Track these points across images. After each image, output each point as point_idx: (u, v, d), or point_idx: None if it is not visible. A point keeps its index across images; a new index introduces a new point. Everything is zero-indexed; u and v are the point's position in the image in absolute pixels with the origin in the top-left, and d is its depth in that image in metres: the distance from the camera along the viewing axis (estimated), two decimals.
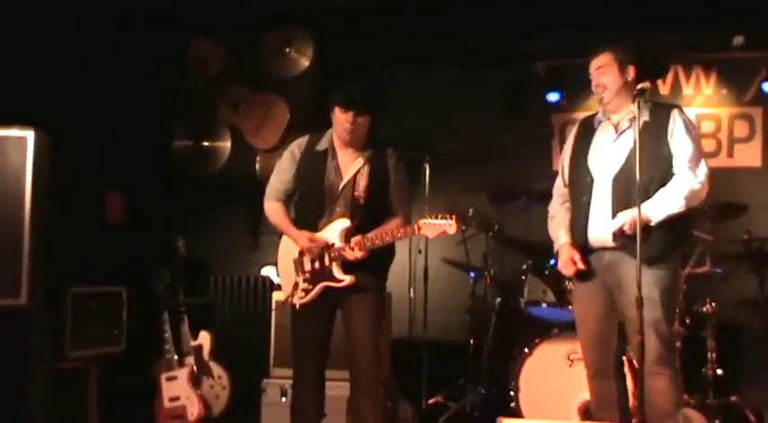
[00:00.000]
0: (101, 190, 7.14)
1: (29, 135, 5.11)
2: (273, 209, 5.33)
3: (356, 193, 5.18)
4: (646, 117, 4.92)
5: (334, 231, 5.14)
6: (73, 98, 6.49)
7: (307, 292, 5.19)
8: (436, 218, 5.00)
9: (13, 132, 5.11)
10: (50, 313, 5.57)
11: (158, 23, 7.50)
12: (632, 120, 4.91)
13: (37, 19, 6.25)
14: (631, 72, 4.99)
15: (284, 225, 5.28)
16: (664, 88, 7.71)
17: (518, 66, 7.80)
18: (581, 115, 7.74)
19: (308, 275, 5.21)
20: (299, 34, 7.76)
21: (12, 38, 5.99)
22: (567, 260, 5.07)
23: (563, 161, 5.35)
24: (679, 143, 4.86)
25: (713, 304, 6.38)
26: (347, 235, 5.10)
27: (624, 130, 4.99)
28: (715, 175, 7.19)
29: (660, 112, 4.93)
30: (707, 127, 7.67)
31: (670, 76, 7.72)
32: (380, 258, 5.24)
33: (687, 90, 7.72)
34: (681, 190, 4.79)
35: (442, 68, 7.90)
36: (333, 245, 5.12)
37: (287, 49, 7.77)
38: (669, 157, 4.85)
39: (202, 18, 7.70)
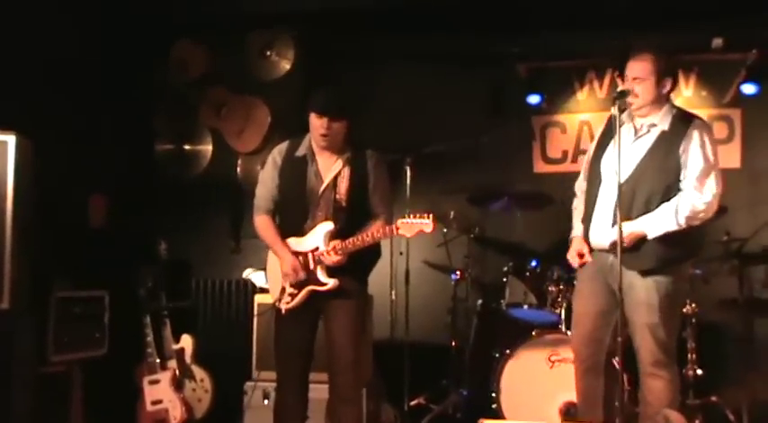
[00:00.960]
0: (83, 193, 7.12)
1: (10, 139, 5.11)
2: (263, 223, 5.34)
3: (337, 196, 5.20)
4: (665, 126, 4.92)
5: (317, 235, 5.15)
6: (54, 101, 6.47)
7: (293, 296, 5.21)
8: (414, 217, 5.02)
9: None
10: (33, 317, 5.55)
11: (140, 26, 7.50)
12: (651, 126, 4.94)
13: (17, 22, 6.23)
14: (668, 85, 4.94)
15: (273, 243, 5.29)
16: None
17: (499, 68, 7.82)
18: (561, 118, 7.85)
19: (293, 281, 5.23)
20: (281, 37, 7.77)
21: None
22: (575, 252, 5.13)
23: (587, 156, 5.37)
24: (690, 158, 4.83)
25: (693, 305, 6.43)
26: (331, 238, 5.13)
27: (641, 135, 4.97)
28: None
29: (681, 123, 4.88)
30: None
31: None
32: (364, 262, 5.28)
33: None
34: (682, 209, 4.78)
35: (423, 71, 7.91)
36: (317, 249, 5.14)
37: (268, 53, 7.78)
38: (677, 171, 4.82)
39: (184, 21, 7.70)
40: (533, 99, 7.73)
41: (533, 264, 6.52)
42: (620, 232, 4.61)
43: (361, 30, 7.64)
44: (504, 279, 6.63)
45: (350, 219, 5.16)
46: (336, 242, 5.07)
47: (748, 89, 7.36)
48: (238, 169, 7.75)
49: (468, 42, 7.71)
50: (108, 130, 7.23)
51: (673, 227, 4.78)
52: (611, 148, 5.00)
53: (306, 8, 7.35)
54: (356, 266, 5.20)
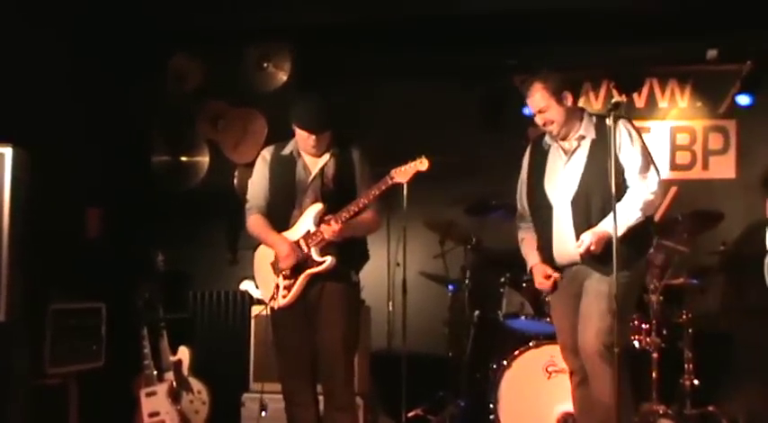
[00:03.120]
0: (80, 205, 7.12)
1: (7, 151, 5.09)
2: (255, 221, 5.35)
3: (325, 181, 5.25)
4: (592, 134, 5.03)
5: (308, 218, 5.16)
6: (51, 113, 6.49)
7: (289, 288, 5.18)
8: (405, 164, 5.04)
9: None
10: (30, 329, 5.56)
11: (138, 38, 7.51)
12: (580, 138, 5.07)
13: (13, 34, 6.24)
14: (569, 97, 5.06)
15: (265, 233, 5.29)
16: (639, 101, 7.76)
17: (495, 79, 7.84)
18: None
19: (287, 272, 5.18)
20: (278, 49, 7.79)
21: None
22: (541, 278, 5.20)
23: (521, 187, 5.43)
24: (626, 155, 4.95)
25: (689, 315, 6.43)
26: (321, 217, 5.13)
27: (574, 150, 5.08)
28: (690, 188, 7.31)
29: (604, 126, 4.93)
30: (682, 139, 7.75)
31: (645, 90, 7.78)
32: (353, 256, 5.29)
33: (662, 103, 7.78)
34: (635, 202, 4.90)
35: (420, 82, 7.92)
36: (308, 232, 5.15)
37: (265, 65, 7.80)
38: (621, 172, 4.91)
39: (182, 33, 7.71)
40: (529, 110, 7.73)
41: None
42: (616, 232, 4.64)
43: (358, 43, 7.66)
44: (501, 290, 6.64)
45: (337, 201, 5.16)
46: (331, 216, 5.08)
47: (743, 100, 7.39)
48: (235, 181, 7.76)
49: (463, 55, 7.72)
50: (105, 141, 7.23)
51: (632, 221, 4.88)
52: (550, 170, 5.17)
53: (302, 22, 7.37)
54: (346, 258, 5.22)
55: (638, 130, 5.11)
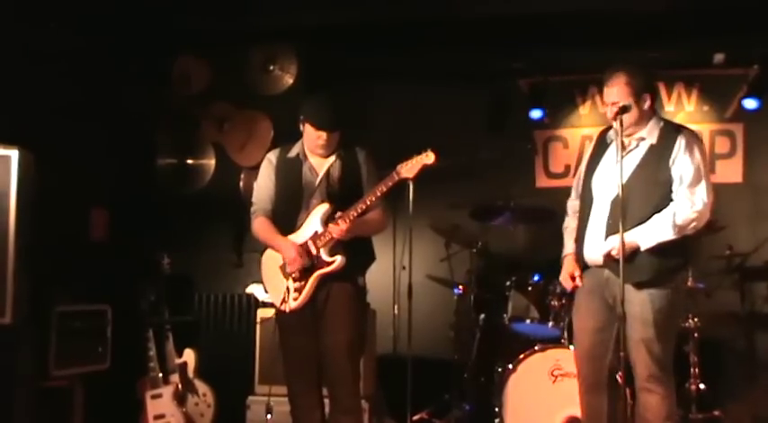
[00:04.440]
0: (85, 208, 7.13)
1: (13, 154, 5.10)
2: (260, 224, 5.34)
3: (331, 182, 5.24)
4: (653, 139, 4.88)
5: (315, 219, 5.16)
6: (57, 116, 6.49)
7: (300, 291, 5.16)
8: (410, 158, 5.02)
9: None
10: (35, 332, 5.56)
11: (143, 41, 7.52)
12: (640, 140, 4.91)
13: (20, 36, 6.25)
14: (648, 100, 4.86)
15: (271, 237, 5.28)
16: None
17: (501, 83, 7.86)
18: (564, 132, 7.87)
19: (297, 274, 5.16)
20: (283, 52, 7.80)
21: None
22: (566, 275, 5.12)
23: (578, 175, 5.33)
24: (680, 167, 4.78)
25: (695, 319, 6.42)
26: (329, 218, 5.12)
27: (631, 150, 4.91)
28: None
29: (669, 135, 4.83)
30: None
31: None
32: (359, 257, 5.27)
33: (669, 106, 7.77)
34: (674, 218, 4.74)
35: (426, 85, 7.93)
36: (316, 233, 5.14)
37: (271, 67, 7.81)
38: (668, 183, 4.78)
39: (187, 36, 7.72)
40: (535, 114, 7.75)
41: (536, 278, 6.52)
42: (623, 245, 4.59)
43: (364, 46, 7.66)
44: (507, 293, 6.63)
45: (344, 201, 5.13)
46: (340, 213, 5.08)
47: (750, 104, 7.39)
48: (241, 183, 7.76)
49: (470, 58, 7.73)
50: (111, 144, 7.23)
51: (665, 237, 4.73)
52: (602, 165, 5.04)
53: (308, 25, 7.37)
54: (350, 270, 5.19)
55: (702, 146, 4.91)
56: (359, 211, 5.04)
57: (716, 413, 6.41)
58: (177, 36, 7.72)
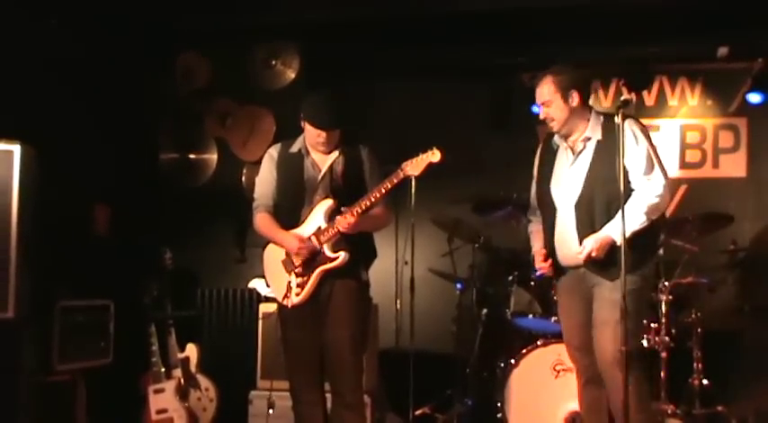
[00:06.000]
0: (88, 202, 7.13)
1: (15, 149, 5.12)
2: (262, 219, 5.34)
3: (334, 177, 5.23)
4: (598, 135, 4.95)
5: (318, 214, 5.15)
6: (59, 111, 6.49)
7: (302, 286, 5.16)
8: (416, 156, 5.01)
9: (0, 146, 5.12)
10: (38, 326, 5.58)
11: (146, 36, 7.52)
12: (586, 140, 5.00)
13: (22, 31, 6.25)
14: (576, 97, 4.96)
15: (273, 232, 5.28)
16: (649, 100, 7.74)
17: (504, 77, 7.83)
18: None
19: (299, 269, 5.16)
20: (286, 47, 7.80)
21: None
22: (540, 261, 5.16)
23: (533, 186, 5.39)
24: (631, 157, 4.84)
25: (699, 314, 6.40)
26: (332, 213, 5.12)
27: (580, 152, 5.01)
28: (700, 186, 7.29)
29: (611, 126, 4.85)
30: (692, 138, 7.72)
31: (655, 88, 7.75)
32: (362, 253, 5.27)
33: (672, 101, 7.75)
34: (639, 206, 4.81)
35: (429, 80, 7.92)
36: (319, 228, 5.13)
37: (273, 62, 7.82)
38: (625, 173, 4.79)
39: (190, 31, 7.72)
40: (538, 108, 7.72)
41: (538, 273, 6.51)
42: (624, 239, 4.60)
43: (366, 41, 7.65)
44: (509, 288, 6.62)
45: (348, 197, 5.12)
46: (345, 208, 5.05)
47: (754, 98, 7.38)
48: (243, 178, 7.76)
49: (472, 53, 7.72)
50: (113, 139, 7.23)
51: (637, 226, 4.78)
52: (557, 172, 5.12)
53: (310, 20, 7.37)
54: (353, 265, 5.19)
55: (645, 130, 4.99)
56: (363, 207, 5.02)
57: (719, 409, 6.39)
58: (180, 32, 7.73)
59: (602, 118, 5.03)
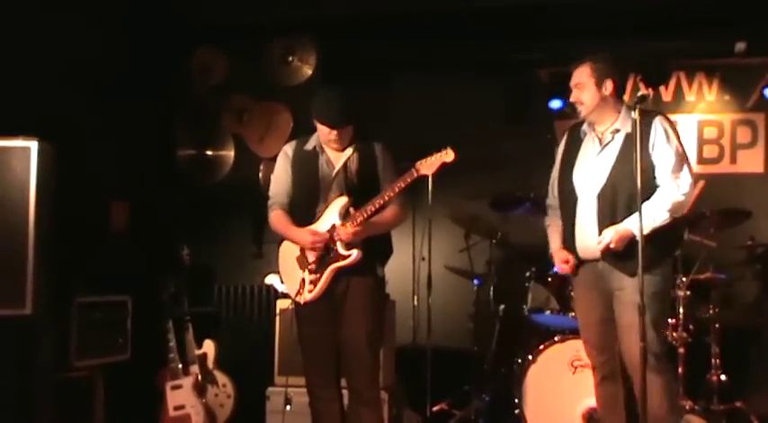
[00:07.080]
0: (105, 199, 7.14)
1: (32, 145, 5.12)
2: (276, 217, 5.33)
3: (348, 175, 5.21)
4: (628, 129, 4.94)
5: (333, 212, 5.13)
6: (77, 108, 6.50)
7: (315, 283, 5.15)
8: (430, 155, 4.99)
9: (17, 143, 5.13)
10: (55, 323, 5.57)
11: (163, 33, 7.53)
12: (615, 132, 5.00)
13: (39, 29, 6.26)
14: (609, 86, 4.98)
15: (287, 229, 5.27)
16: (666, 95, 7.72)
17: (521, 73, 7.83)
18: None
19: (313, 266, 5.15)
20: (302, 43, 7.80)
21: (15, 48, 6.00)
22: (560, 262, 5.17)
23: (553, 173, 5.38)
24: (660, 154, 4.86)
25: (717, 310, 6.38)
26: (346, 211, 5.11)
27: (608, 143, 5.02)
28: (718, 182, 7.27)
29: (642, 122, 4.82)
30: (709, 133, 7.70)
31: (672, 83, 7.74)
32: (378, 250, 5.25)
33: (690, 96, 7.74)
34: (664, 203, 4.81)
35: (445, 76, 7.91)
36: (334, 226, 5.11)
37: (290, 58, 7.82)
38: (651, 169, 4.85)
39: (206, 27, 7.73)
40: (555, 104, 7.71)
41: (556, 269, 6.49)
42: (642, 234, 4.58)
43: (383, 37, 7.65)
44: (527, 284, 6.61)
45: (362, 194, 5.11)
46: (352, 212, 5.05)
47: None
48: (260, 175, 7.76)
49: (489, 49, 7.71)
50: (130, 135, 7.24)
51: (658, 222, 4.78)
52: (581, 160, 5.12)
53: (327, 16, 7.37)
54: (369, 262, 5.17)
55: (676, 129, 5.00)
56: (376, 206, 5.01)
57: (738, 404, 6.37)
58: (197, 28, 7.73)
59: (633, 113, 4.99)
